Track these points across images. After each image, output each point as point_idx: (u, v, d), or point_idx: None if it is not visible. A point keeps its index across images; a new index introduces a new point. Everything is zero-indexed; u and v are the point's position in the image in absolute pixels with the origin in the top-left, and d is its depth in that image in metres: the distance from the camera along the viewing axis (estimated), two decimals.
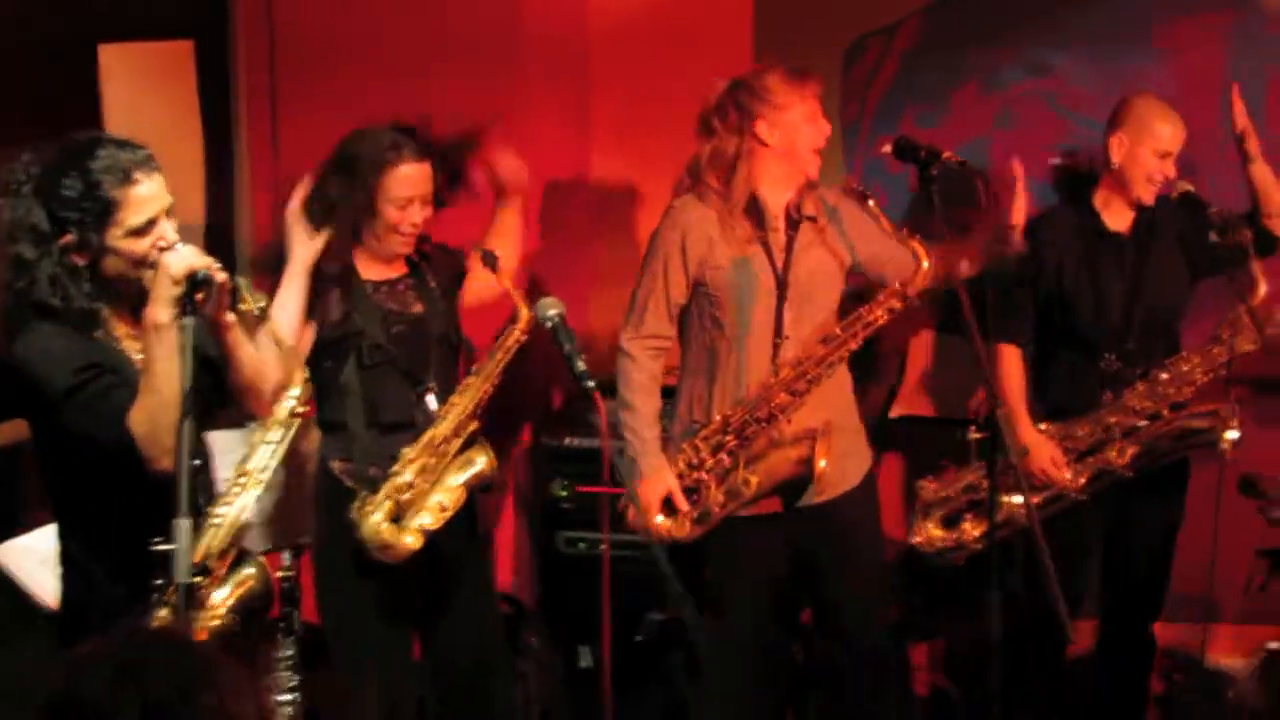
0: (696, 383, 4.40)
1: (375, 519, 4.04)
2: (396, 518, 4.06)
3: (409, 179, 4.13)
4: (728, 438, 4.31)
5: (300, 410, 3.93)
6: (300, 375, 4.01)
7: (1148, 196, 4.66)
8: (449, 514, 4.11)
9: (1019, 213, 4.62)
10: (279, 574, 4.15)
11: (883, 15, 5.53)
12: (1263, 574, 4.75)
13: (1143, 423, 4.62)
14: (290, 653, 4.32)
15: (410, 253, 4.28)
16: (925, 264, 4.16)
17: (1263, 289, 4.48)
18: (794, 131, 4.28)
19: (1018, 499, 4.34)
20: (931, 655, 5.49)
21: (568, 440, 5.37)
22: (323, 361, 4.18)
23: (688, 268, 4.31)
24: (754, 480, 4.28)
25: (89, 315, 3.28)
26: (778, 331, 4.31)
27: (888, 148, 4.21)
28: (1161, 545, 4.81)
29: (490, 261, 4.20)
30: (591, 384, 3.67)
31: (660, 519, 4.30)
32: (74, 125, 3.38)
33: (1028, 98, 5.34)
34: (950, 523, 4.73)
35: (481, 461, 4.18)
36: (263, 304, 3.61)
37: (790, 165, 4.31)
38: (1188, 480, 4.80)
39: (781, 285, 4.30)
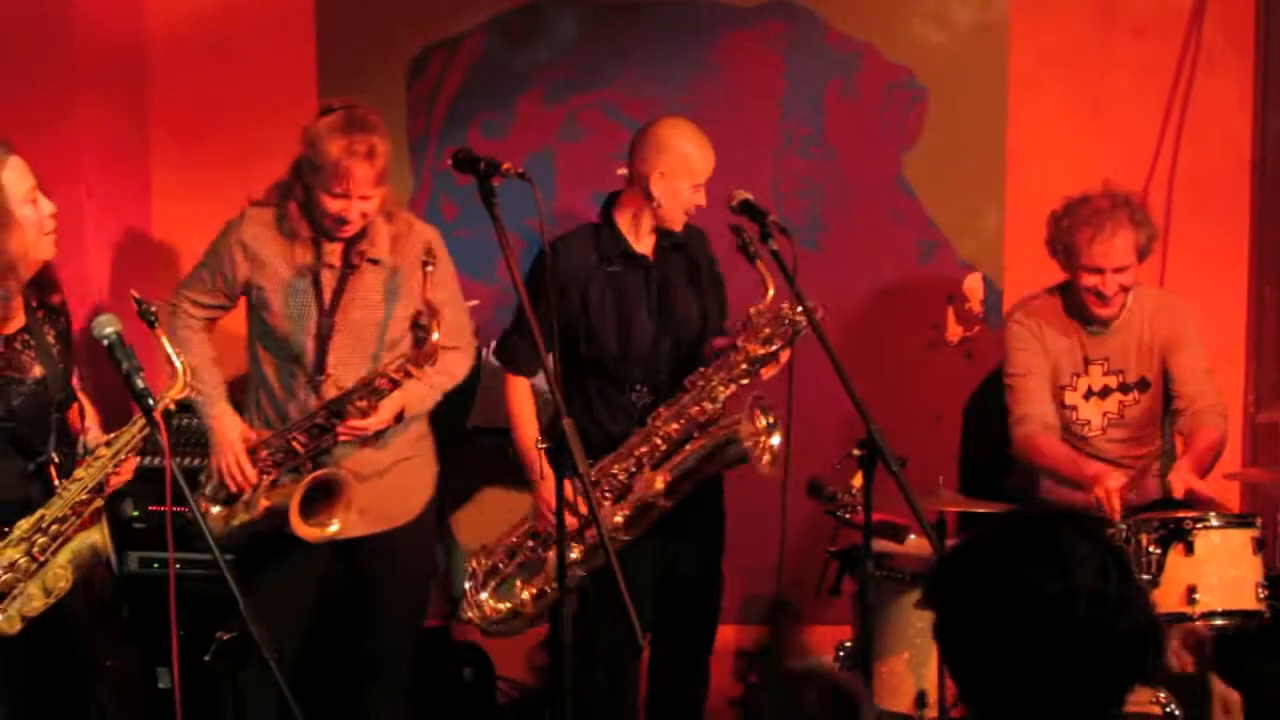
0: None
1: None
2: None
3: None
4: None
5: None
6: None
7: (679, 225, 4.59)
8: (54, 599, 3.71)
9: None
10: None
11: (446, 27, 5.46)
12: (833, 575, 4.79)
13: (670, 447, 4.49)
14: None
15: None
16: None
17: (771, 291, 4.43)
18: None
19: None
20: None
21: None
22: None
23: None
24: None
25: None
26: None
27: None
28: (705, 581, 4.78)
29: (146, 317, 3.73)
30: (152, 403, 3.45)
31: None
32: None
33: (589, 109, 5.35)
34: (503, 592, 4.58)
35: (95, 539, 3.80)
36: None
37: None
38: (723, 515, 4.79)
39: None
